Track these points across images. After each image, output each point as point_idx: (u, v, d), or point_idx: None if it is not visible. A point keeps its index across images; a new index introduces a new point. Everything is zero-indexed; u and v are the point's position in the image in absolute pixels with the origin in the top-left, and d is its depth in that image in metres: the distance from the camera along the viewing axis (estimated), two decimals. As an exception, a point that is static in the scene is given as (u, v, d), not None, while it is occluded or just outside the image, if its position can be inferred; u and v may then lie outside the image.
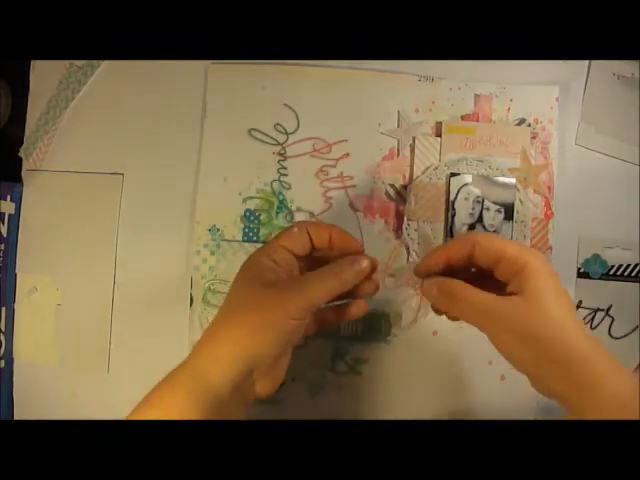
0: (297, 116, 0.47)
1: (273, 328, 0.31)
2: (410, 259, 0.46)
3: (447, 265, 0.34)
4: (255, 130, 0.47)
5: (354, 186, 0.47)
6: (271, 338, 0.31)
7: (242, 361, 0.31)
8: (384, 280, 0.46)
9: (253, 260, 0.34)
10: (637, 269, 0.47)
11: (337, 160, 0.47)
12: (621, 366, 0.30)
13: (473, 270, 0.35)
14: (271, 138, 0.47)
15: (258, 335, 0.31)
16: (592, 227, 0.48)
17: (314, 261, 0.36)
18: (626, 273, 0.47)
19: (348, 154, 0.47)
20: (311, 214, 0.47)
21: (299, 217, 0.47)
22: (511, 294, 0.31)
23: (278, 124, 0.47)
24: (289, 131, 0.47)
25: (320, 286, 0.32)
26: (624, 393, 0.29)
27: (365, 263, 0.34)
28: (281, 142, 0.47)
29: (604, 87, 0.48)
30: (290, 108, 0.47)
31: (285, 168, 0.47)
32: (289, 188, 0.47)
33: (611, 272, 0.47)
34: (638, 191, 0.48)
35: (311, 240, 0.35)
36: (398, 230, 0.47)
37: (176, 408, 0.30)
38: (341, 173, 0.47)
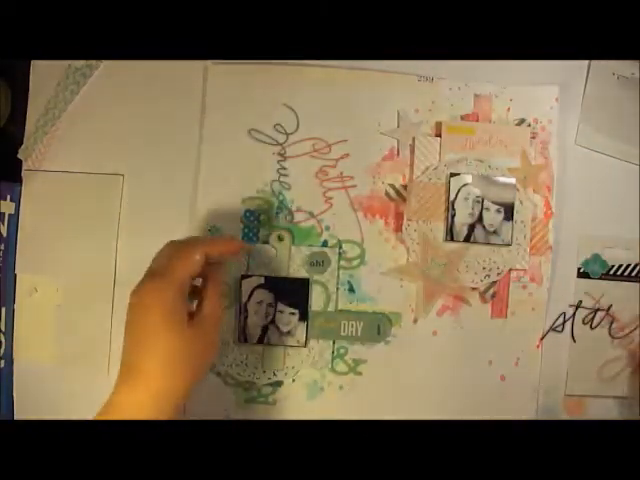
0: (297, 116, 0.47)
1: (204, 372, 0.36)
2: (410, 259, 0.46)
3: None
4: (255, 130, 0.47)
5: (354, 186, 0.47)
6: (202, 377, 0.36)
7: (177, 401, 0.34)
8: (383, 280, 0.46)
9: (170, 302, 0.34)
10: (637, 269, 0.47)
11: (337, 160, 0.47)
12: None
13: None
14: (271, 138, 0.47)
15: (193, 382, 0.35)
16: (592, 227, 0.48)
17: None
18: (626, 273, 0.47)
19: (348, 154, 0.47)
20: (311, 214, 0.47)
21: (299, 217, 0.47)
22: None
23: (278, 124, 0.47)
24: (289, 131, 0.47)
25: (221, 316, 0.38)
26: None
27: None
28: (281, 142, 0.47)
29: (604, 87, 0.48)
30: (290, 108, 0.47)
31: (285, 168, 0.47)
32: (289, 188, 0.47)
33: (611, 272, 0.47)
34: (638, 191, 0.48)
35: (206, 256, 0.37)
36: (398, 230, 0.47)
37: None
38: (341, 173, 0.47)
